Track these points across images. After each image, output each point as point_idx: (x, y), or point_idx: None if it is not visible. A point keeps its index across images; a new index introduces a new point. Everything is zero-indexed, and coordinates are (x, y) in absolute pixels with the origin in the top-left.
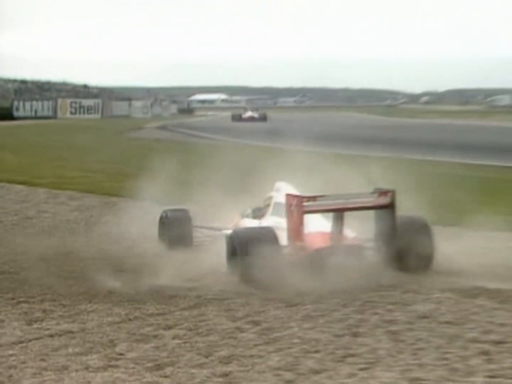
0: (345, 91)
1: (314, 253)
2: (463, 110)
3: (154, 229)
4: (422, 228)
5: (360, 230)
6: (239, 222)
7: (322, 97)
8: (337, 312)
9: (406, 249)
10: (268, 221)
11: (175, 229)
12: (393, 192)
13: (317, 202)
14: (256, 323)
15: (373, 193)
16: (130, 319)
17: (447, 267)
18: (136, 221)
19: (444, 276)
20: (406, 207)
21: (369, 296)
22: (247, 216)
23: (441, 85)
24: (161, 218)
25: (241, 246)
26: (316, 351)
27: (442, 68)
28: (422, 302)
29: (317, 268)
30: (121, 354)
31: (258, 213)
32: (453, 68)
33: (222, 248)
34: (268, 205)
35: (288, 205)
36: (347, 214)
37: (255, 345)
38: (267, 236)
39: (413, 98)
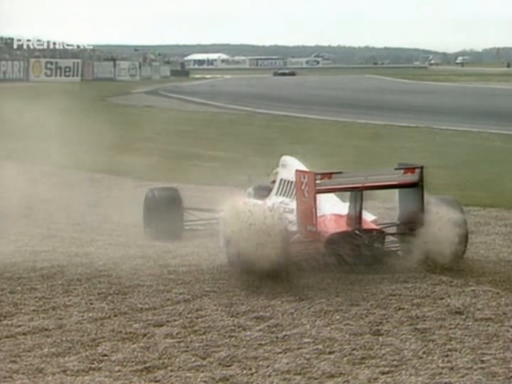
0: (367, 50)
1: (329, 239)
2: (506, 72)
3: (138, 211)
4: (454, 211)
5: (382, 212)
6: (238, 203)
7: (339, 58)
8: (356, 307)
9: (435, 235)
10: (273, 201)
11: (164, 212)
12: (421, 169)
13: (332, 180)
14: (261, 320)
15: (397, 169)
16: (114, 315)
17: (484, 255)
18: (119, 202)
19: (481, 266)
20: (436, 186)
21: (394, 289)
22: (248, 196)
23: (481, 43)
24: (146, 198)
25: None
26: (331, 352)
27: (481, 24)
28: (455, 295)
29: (332, 257)
30: (104, 355)
31: (261, 193)
32: (493, 24)
33: (219, 234)
34: (273, 183)
35: (298, 183)
36: (367, 194)
37: (260, 345)
38: (272, 219)
39: (447, 58)
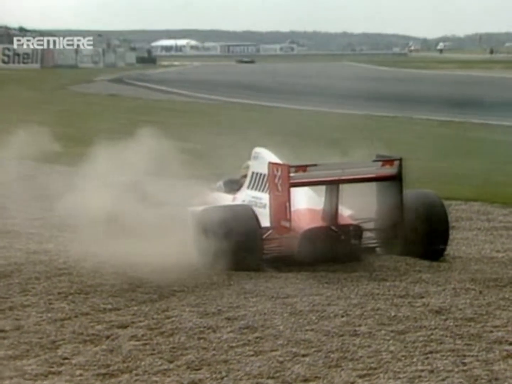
0: (345, 36)
1: (304, 235)
2: (489, 59)
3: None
4: (434, 206)
5: (358, 207)
6: (207, 198)
7: (315, 44)
8: (332, 307)
9: (414, 231)
10: (244, 196)
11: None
12: (399, 161)
13: (307, 173)
14: (232, 320)
15: (375, 161)
16: (75, 316)
17: (465, 251)
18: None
19: (462, 263)
20: (416, 179)
21: (371, 288)
22: (218, 190)
23: (462, 29)
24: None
25: (211, 229)
26: (306, 355)
27: (462, 10)
28: (435, 294)
29: (306, 254)
30: (65, 359)
31: (232, 187)
32: (476, 9)
33: (186, 230)
34: (244, 176)
35: (271, 176)
36: (343, 188)
37: (231, 347)
38: (245, 215)
39: (428, 44)
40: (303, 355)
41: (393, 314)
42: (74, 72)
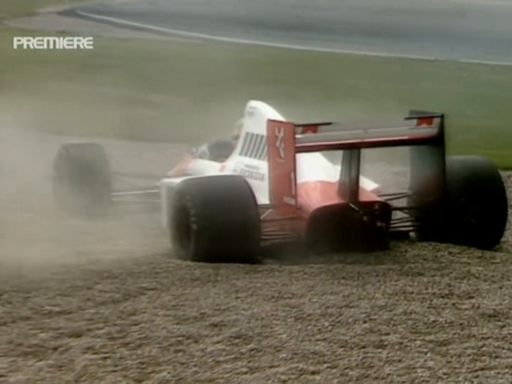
0: None
1: (314, 216)
2: None
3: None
4: (488, 178)
5: (387, 179)
6: (187, 167)
7: None
8: (351, 310)
9: (461, 211)
10: (236, 164)
11: (83, 177)
12: (441, 118)
13: (318, 134)
14: (219, 328)
15: (409, 118)
16: (13, 321)
17: None
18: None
19: None
20: (463, 142)
21: (403, 285)
22: (201, 156)
23: None
24: (57, 159)
25: (193, 208)
26: (316, 372)
27: None
28: (489, 293)
29: (317, 240)
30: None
31: (220, 152)
32: None
33: (161, 210)
34: (236, 138)
35: (271, 139)
36: (366, 154)
37: (218, 362)
38: (237, 190)
39: None
40: (313, 373)
41: (432, 319)
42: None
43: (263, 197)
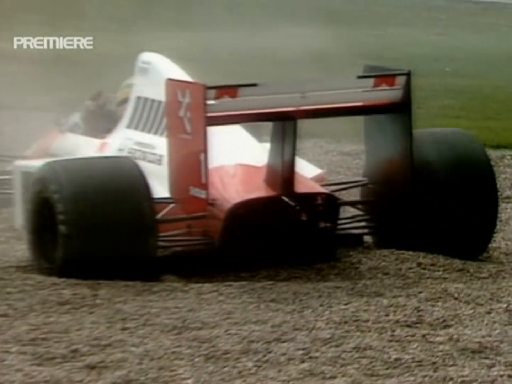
0: None
1: (232, 213)
2: None
3: None
4: (471, 159)
5: (333, 162)
6: (52, 144)
7: None
8: (283, 345)
9: (435, 205)
10: (122, 141)
11: None
12: (407, 77)
13: (239, 99)
14: (98, 369)
15: (363, 77)
16: None
17: None
18: None
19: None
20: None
21: (355, 309)
22: (72, 130)
23: None
24: None
25: (61, 202)
26: None
27: None
28: (472, 321)
29: (236, 247)
30: None
31: (97, 123)
32: None
33: (15, 204)
34: (122, 104)
35: (172, 105)
36: (305, 127)
37: None
38: (123, 177)
39: None
40: None
41: (394, 356)
42: None
43: (161, 188)
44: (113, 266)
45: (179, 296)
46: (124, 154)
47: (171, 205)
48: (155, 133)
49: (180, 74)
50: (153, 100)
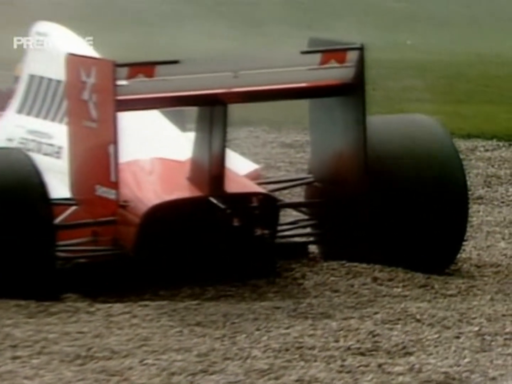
0: None
1: (147, 218)
2: None
3: None
4: (436, 153)
5: (272, 156)
6: None
7: None
8: (213, 377)
9: (394, 208)
10: (12, 128)
11: None
12: (360, 52)
13: (157, 80)
14: None
15: (307, 52)
16: None
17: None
18: None
19: (496, 277)
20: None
21: (298, 332)
22: None
23: None
24: None
25: None
26: None
27: None
28: (439, 350)
29: (154, 257)
30: None
31: None
32: None
33: None
34: (15, 83)
35: (74, 87)
36: (237, 113)
37: None
38: (12, 172)
39: None
40: None
41: None
42: None
43: (60, 186)
44: (0, 282)
45: (83, 319)
46: (14, 145)
47: (73, 208)
48: (53, 119)
49: (84, 48)
50: (50, 79)
